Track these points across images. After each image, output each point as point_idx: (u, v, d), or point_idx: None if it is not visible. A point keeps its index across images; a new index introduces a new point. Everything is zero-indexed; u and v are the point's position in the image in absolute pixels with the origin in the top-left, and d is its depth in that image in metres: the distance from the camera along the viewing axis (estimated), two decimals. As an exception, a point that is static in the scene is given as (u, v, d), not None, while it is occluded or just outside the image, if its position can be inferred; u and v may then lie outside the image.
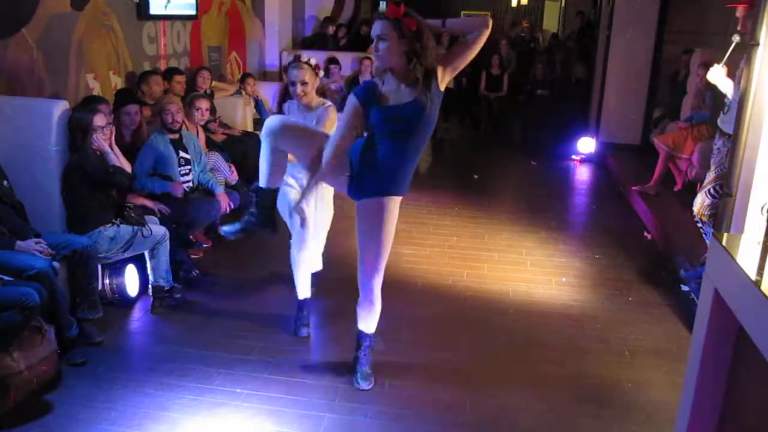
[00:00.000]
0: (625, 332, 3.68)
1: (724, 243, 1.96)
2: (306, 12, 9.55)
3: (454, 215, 5.69)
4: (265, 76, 8.21)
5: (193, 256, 4.42)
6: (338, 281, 3.78)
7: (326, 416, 2.86)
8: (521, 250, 4.89)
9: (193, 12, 6.32)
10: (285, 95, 3.61)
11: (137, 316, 3.78)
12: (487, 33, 2.64)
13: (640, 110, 8.03)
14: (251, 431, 2.77)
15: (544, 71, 9.45)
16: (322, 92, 5.92)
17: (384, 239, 2.83)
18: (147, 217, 3.91)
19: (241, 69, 7.69)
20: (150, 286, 3.87)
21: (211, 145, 5.12)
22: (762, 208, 2.15)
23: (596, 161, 7.73)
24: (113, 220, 3.72)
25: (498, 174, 7.56)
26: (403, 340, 3.51)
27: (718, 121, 3.93)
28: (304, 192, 2.89)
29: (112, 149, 3.72)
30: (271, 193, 2.89)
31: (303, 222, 3.23)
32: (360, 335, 3.10)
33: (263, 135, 2.78)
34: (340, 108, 3.04)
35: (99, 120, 3.63)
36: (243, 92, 6.48)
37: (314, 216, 3.61)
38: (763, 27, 2.88)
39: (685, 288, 4.15)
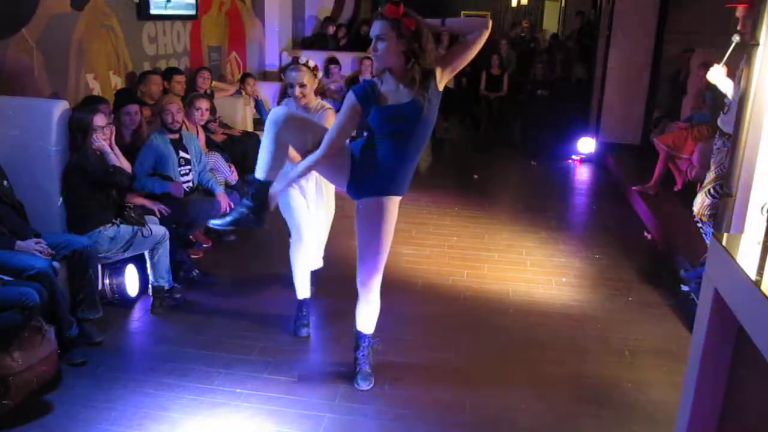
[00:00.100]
0: (625, 332, 3.68)
1: (724, 243, 1.96)
2: (306, 12, 9.56)
3: (454, 215, 5.69)
4: (265, 76, 8.21)
5: (193, 256, 4.42)
6: (338, 281, 3.77)
7: (326, 416, 2.86)
8: (521, 250, 4.89)
9: (193, 12, 6.32)
10: (284, 95, 3.61)
11: (137, 316, 3.78)
12: (486, 33, 2.64)
13: (640, 110, 8.03)
14: (251, 431, 2.77)
15: (544, 71, 9.45)
16: (322, 92, 5.92)
17: (383, 239, 2.83)
18: (147, 217, 3.91)
19: (241, 69, 7.69)
20: (150, 286, 3.87)
21: (211, 145, 5.12)
22: (762, 208, 2.15)
23: (596, 161, 7.73)
24: (113, 220, 3.72)
25: (498, 174, 7.56)
26: (403, 340, 3.51)
27: (718, 121, 3.93)
28: (287, 178, 2.82)
29: (112, 149, 3.72)
30: (267, 186, 2.80)
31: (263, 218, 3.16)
32: (358, 336, 3.10)
33: (268, 124, 2.72)
34: (339, 109, 3.04)
35: (99, 120, 3.63)
36: (243, 92, 6.49)
37: (316, 214, 3.62)
38: (763, 27, 2.87)
39: (685, 288, 4.15)
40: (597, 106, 8.37)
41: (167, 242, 3.86)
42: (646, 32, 7.78)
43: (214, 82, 6.23)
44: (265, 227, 2.91)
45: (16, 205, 3.40)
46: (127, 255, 3.76)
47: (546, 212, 5.83)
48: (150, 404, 2.91)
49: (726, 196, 3.16)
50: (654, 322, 3.83)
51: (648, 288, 4.29)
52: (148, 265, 3.86)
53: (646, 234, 5.36)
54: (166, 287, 3.86)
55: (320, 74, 3.58)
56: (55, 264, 3.25)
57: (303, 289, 3.62)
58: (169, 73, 5.49)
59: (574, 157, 7.84)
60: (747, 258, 1.82)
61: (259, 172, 2.77)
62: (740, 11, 3.62)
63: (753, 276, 1.71)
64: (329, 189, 3.63)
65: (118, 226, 3.71)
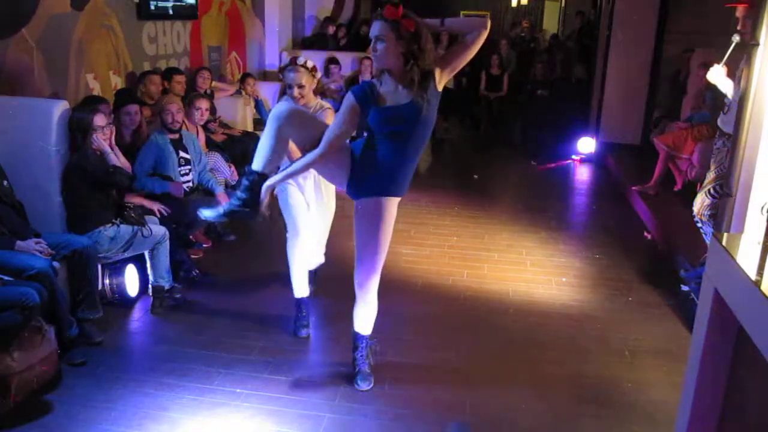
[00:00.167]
0: (625, 332, 3.68)
1: (724, 243, 1.96)
2: (306, 12, 9.56)
3: (454, 215, 5.69)
4: (265, 76, 8.21)
5: (193, 256, 4.42)
6: (338, 281, 3.77)
7: (326, 416, 2.86)
8: (521, 250, 4.89)
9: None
10: (284, 96, 3.60)
11: (137, 316, 3.78)
12: (485, 34, 2.63)
13: (640, 110, 8.03)
14: (251, 431, 2.77)
15: (544, 71, 9.45)
16: (321, 92, 5.93)
17: (381, 240, 2.82)
18: (147, 217, 3.91)
19: (241, 69, 7.70)
20: (150, 286, 3.87)
21: (211, 145, 5.13)
22: (762, 208, 2.15)
23: (596, 161, 7.73)
24: (113, 220, 3.72)
25: (498, 174, 7.56)
26: (402, 340, 3.51)
27: (718, 121, 3.93)
28: (283, 173, 2.78)
29: (112, 149, 3.72)
30: (262, 179, 2.75)
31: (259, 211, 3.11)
32: (356, 337, 3.10)
33: (271, 118, 2.70)
34: (339, 109, 3.04)
35: (99, 120, 3.63)
36: (243, 92, 6.49)
37: (315, 212, 3.63)
38: (763, 27, 2.88)
39: (685, 288, 4.15)
40: (597, 106, 8.37)
41: (167, 242, 3.85)
42: (646, 32, 7.77)
43: (214, 82, 6.23)
44: (258, 219, 2.89)
45: (16, 205, 3.40)
46: (127, 255, 3.76)
47: (546, 212, 5.83)
48: (150, 404, 2.91)
49: (726, 196, 3.16)
50: (654, 322, 3.83)
51: (648, 288, 4.29)
52: (148, 265, 3.86)
53: (646, 234, 5.36)
54: (166, 287, 3.86)
55: (319, 74, 3.58)
56: (55, 264, 3.25)
57: (301, 287, 3.62)
58: (169, 73, 5.49)
59: (574, 157, 7.84)
60: (747, 258, 1.82)
61: (257, 164, 2.73)
62: (740, 11, 3.62)
63: (753, 276, 1.71)
64: (329, 188, 3.63)
65: (118, 226, 3.71)
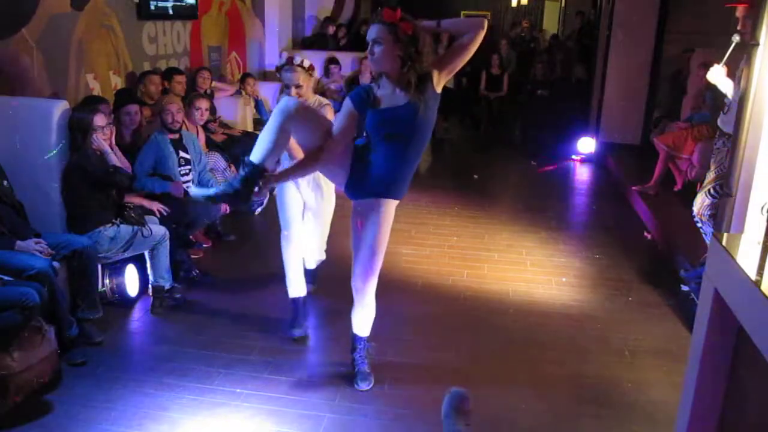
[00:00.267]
0: (625, 332, 3.68)
1: (724, 243, 1.96)
2: (306, 12, 9.56)
3: (454, 215, 5.69)
4: (265, 76, 8.22)
5: (193, 256, 4.42)
6: (338, 280, 3.76)
7: (326, 416, 2.86)
8: (521, 250, 4.89)
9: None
10: (283, 95, 3.60)
11: (137, 316, 3.78)
12: (482, 34, 2.62)
13: (640, 110, 8.03)
14: (251, 431, 2.77)
15: (544, 71, 9.45)
16: (322, 92, 5.91)
17: (378, 241, 2.82)
18: (147, 217, 3.91)
19: (241, 69, 7.70)
20: (150, 286, 3.88)
21: (211, 145, 5.13)
22: (762, 208, 2.15)
23: (596, 161, 7.73)
24: (113, 220, 3.72)
25: (498, 174, 7.56)
26: (402, 340, 3.51)
27: (718, 121, 3.93)
28: (279, 173, 2.74)
29: (112, 149, 3.72)
30: (259, 171, 2.64)
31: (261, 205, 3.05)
32: (355, 338, 3.11)
33: (277, 111, 2.64)
34: (339, 109, 3.04)
35: (99, 120, 3.63)
36: (243, 92, 6.49)
37: (314, 211, 3.63)
38: (763, 27, 2.87)
39: (685, 288, 4.15)
40: (597, 106, 8.37)
41: (167, 242, 3.86)
42: (646, 32, 7.77)
43: (214, 82, 6.23)
44: (248, 211, 2.85)
45: (16, 205, 3.40)
46: (127, 255, 3.76)
47: (546, 212, 5.83)
48: (150, 404, 2.91)
49: (726, 196, 3.16)
50: (654, 322, 3.83)
51: (648, 288, 4.29)
52: (148, 265, 3.86)
53: (646, 234, 5.36)
54: (166, 287, 3.86)
55: (316, 73, 3.58)
56: (55, 264, 3.25)
57: (295, 286, 3.62)
58: (169, 73, 5.49)
59: (574, 157, 7.84)
60: (747, 258, 1.83)
61: (256, 156, 2.63)
62: (740, 11, 3.62)
63: (753, 276, 1.71)
64: (329, 186, 3.63)
65: (118, 226, 3.71)
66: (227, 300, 3.99)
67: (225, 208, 4.52)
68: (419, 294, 4.13)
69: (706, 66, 4.00)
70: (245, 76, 6.72)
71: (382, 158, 2.71)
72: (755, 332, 1.64)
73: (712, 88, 4.21)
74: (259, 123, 6.48)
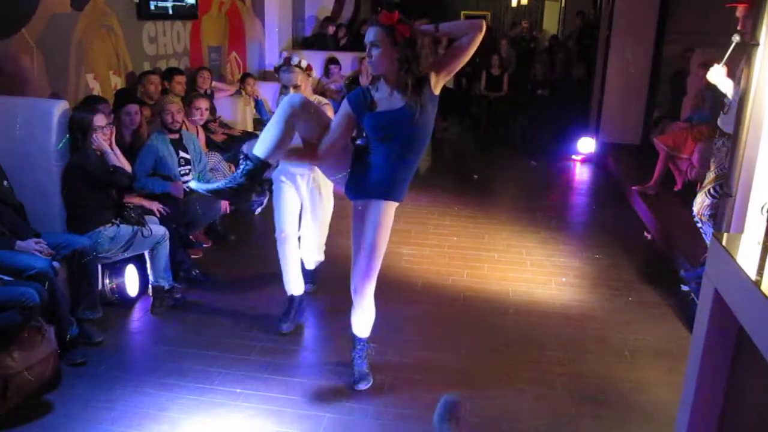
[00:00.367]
0: (625, 332, 3.68)
1: (724, 243, 1.96)
2: (306, 12, 9.55)
3: (454, 215, 5.69)
4: (265, 76, 8.21)
5: (193, 256, 4.42)
6: (338, 280, 3.76)
7: (326, 416, 2.86)
8: (521, 250, 4.89)
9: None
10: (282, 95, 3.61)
11: (137, 316, 3.78)
12: (480, 36, 2.60)
13: (640, 110, 8.03)
14: (251, 431, 2.77)
15: (544, 71, 9.44)
16: (322, 92, 5.91)
17: (377, 243, 2.81)
18: (147, 217, 3.91)
19: (241, 69, 7.69)
20: (150, 286, 3.88)
21: (211, 145, 5.13)
22: (762, 208, 2.15)
23: (596, 161, 7.73)
24: (113, 220, 3.72)
25: (498, 174, 7.56)
26: (403, 340, 3.51)
27: (718, 121, 3.93)
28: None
29: (112, 149, 3.72)
30: (263, 167, 2.66)
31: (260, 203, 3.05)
32: (354, 339, 3.11)
33: (283, 106, 2.63)
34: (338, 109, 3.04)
35: (99, 120, 3.63)
36: (243, 92, 6.49)
37: (311, 212, 3.63)
38: (763, 27, 2.87)
39: (685, 288, 4.14)
40: (597, 106, 8.37)
41: (167, 242, 3.86)
42: (646, 32, 7.77)
43: (214, 82, 6.23)
44: (252, 209, 2.85)
45: (16, 205, 3.40)
46: (127, 255, 3.76)
47: (546, 212, 5.83)
48: (150, 404, 2.91)
49: (726, 196, 3.16)
50: (654, 322, 3.83)
51: (648, 288, 4.29)
52: (148, 265, 3.86)
53: (646, 234, 5.36)
54: (166, 287, 3.86)
55: (314, 73, 3.59)
56: (55, 264, 3.25)
57: (292, 285, 3.63)
58: (169, 73, 5.49)
59: (574, 157, 7.84)
60: (747, 258, 1.83)
61: (260, 150, 2.63)
62: (740, 11, 3.62)
63: (753, 276, 1.71)
64: (328, 188, 3.63)
65: (118, 226, 3.71)
66: (227, 300, 3.99)
67: (225, 207, 4.52)
68: (419, 294, 4.13)
69: (706, 66, 4.00)
70: (245, 76, 6.72)
71: (380, 160, 2.72)
72: (755, 332, 1.64)
73: (712, 88, 4.21)
74: (259, 123, 6.48)
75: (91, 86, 4.96)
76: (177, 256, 4.07)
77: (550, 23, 15.41)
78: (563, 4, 14.56)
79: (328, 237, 3.88)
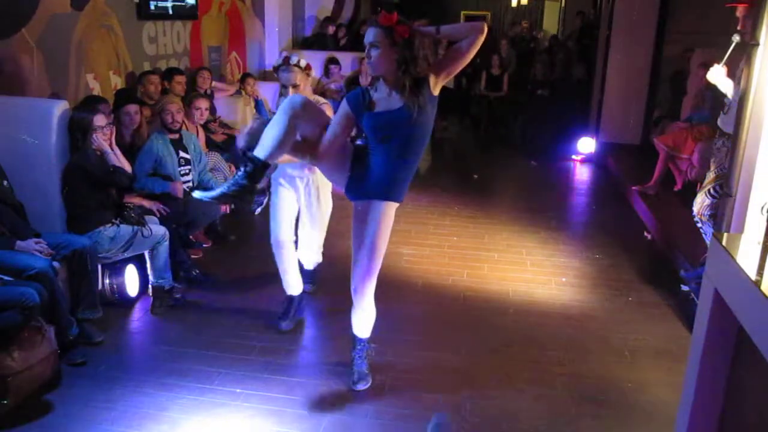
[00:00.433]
0: (625, 332, 3.67)
1: (724, 243, 1.96)
2: (306, 12, 9.55)
3: (454, 215, 5.69)
4: (265, 76, 8.21)
5: (193, 256, 4.42)
6: (338, 280, 3.77)
7: (326, 416, 2.86)
8: (521, 250, 4.89)
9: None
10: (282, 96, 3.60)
11: (137, 316, 3.78)
12: (481, 39, 2.59)
13: (640, 110, 8.03)
14: (251, 431, 2.77)
15: (544, 71, 9.44)
16: (322, 92, 5.91)
17: (377, 244, 2.81)
18: (147, 217, 3.91)
19: (241, 69, 7.69)
20: (150, 286, 3.88)
21: (211, 145, 5.13)
22: (762, 208, 2.15)
23: (596, 161, 7.73)
24: (113, 220, 3.72)
25: (498, 174, 7.56)
26: (403, 340, 3.51)
27: (718, 121, 3.93)
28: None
29: (112, 149, 3.72)
30: (264, 168, 2.64)
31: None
32: (354, 339, 3.11)
33: (284, 108, 2.62)
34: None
35: (99, 120, 3.63)
36: (243, 92, 6.49)
37: (307, 214, 3.63)
38: (763, 27, 2.88)
39: (685, 288, 4.15)
40: (597, 106, 8.37)
41: (167, 242, 3.85)
42: (646, 32, 7.78)
43: (214, 82, 6.23)
44: (252, 209, 2.86)
45: (16, 205, 3.40)
46: (127, 255, 3.76)
47: (546, 212, 5.82)
48: (150, 404, 2.91)
49: (726, 196, 3.16)
50: (654, 322, 3.83)
51: (648, 288, 4.29)
52: (148, 265, 3.86)
53: (646, 234, 5.36)
54: (166, 287, 3.86)
55: (313, 72, 3.58)
56: (55, 264, 3.25)
57: (291, 286, 3.64)
58: (169, 73, 5.49)
59: (574, 157, 7.84)
60: (747, 258, 1.82)
61: (261, 152, 2.61)
62: (740, 11, 3.62)
63: (753, 276, 1.71)
64: (326, 189, 3.62)
65: (118, 226, 3.71)
66: (227, 300, 3.99)
67: (225, 207, 4.52)
68: (419, 294, 4.13)
69: (706, 66, 4.00)
70: (245, 76, 6.72)
71: (380, 160, 2.72)
72: (755, 332, 1.64)
73: (712, 88, 4.21)
74: (258, 123, 6.46)
75: (91, 86, 4.96)
76: (177, 256, 4.07)
77: (550, 23, 15.41)
78: (563, 4, 14.56)
79: (328, 238, 3.88)
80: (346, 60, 8.20)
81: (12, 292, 2.87)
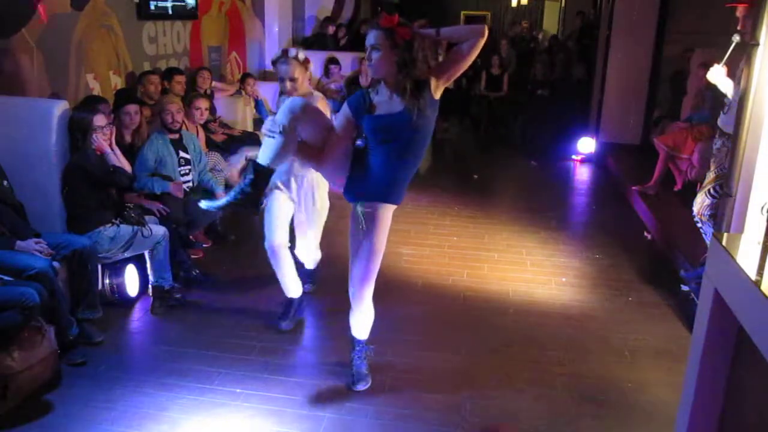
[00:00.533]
0: (625, 332, 3.67)
1: (724, 243, 1.96)
2: (306, 12, 9.55)
3: (454, 215, 5.69)
4: (265, 76, 8.21)
5: (193, 256, 4.42)
6: (337, 280, 3.76)
7: (326, 416, 2.86)
8: (521, 250, 4.89)
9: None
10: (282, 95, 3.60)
11: (137, 316, 3.78)
12: (482, 42, 2.58)
13: (640, 110, 8.03)
14: (251, 431, 2.77)
15: (544, 71, 9.44)
16: (322, 92, 5.89)
17: (375, 246, 2.80)
18: (147, 217, 3.91)
19: (241, 69, 7.69)
20: (150, 286, 3.87)
21: (211, 145, 5.13)
22: (762, 208, 2.15)
23: (596, 161, 7.73)
24: (113, 220, 3.72)
25: (498, 174, 7.56)
26: (402, 340, 3.51)
27: (718, 121, 3.93)
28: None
29: (112, 149, 3.72)
30: (268, 174, 2.66)
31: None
32: (353, 340, 3.11)
33: (284, 112, 2.61)
34: (338, 109, 3.03)
35: (99, 120, 3.63)
36: (243, 92, 6.49)
37: (305, 216, 3.62)
38: (763, 27, 2.87)
39: (685, 288, 4.15)
40: (597, 106, 8.37)
41: (167, 242, 3.85)
42: (646, 32, 7.78)
43: (214, 82, 6.23)
44: (256, 213, 2.87)
45: (16, 205, 3.40)
46: (127, 255, 3.76)
47: (546, 212, 5.82)
48: (150, 404, 2.91)
49: (726, 196, 3.16)
50: (654, 322, 3.83)
51: (648, 288, 4.29)
52: (148, 265, 3.86)
53: (646, 234, 5.36)
54: (166, 287, 3.86)
55: (311, 66, 3.56)
56: (55, 264, 3.25)
57: (288, 289, 3.63)
58: (169, 73, 5.49)
59: (574, 157, 7.84)
60: (747, 258, 1.83)
61: (263, 158, 2.62)
62: (740, 11, 3.62)
63: (753, 276, 1.71)
64: (323, 190, 3.61)
65: (118, 226, 3.72)
66: (227, 300, 3.99)
67: (225, 208, 4.50)
68: (419, 294, 4.13)
69: (706, 66, 4.01)
70: (245, 76, 6.72)
71: (379, 162, 2.71)
72: (755, 332, 1.64)
73: (712, 88, 4.21)
74: (259, 123, 6.47)
75: (91, 86, 4.96)
76: (177, 256, 4.07)
77: (550, 23, 15.42)
78: (563, 4, 14.56)
79: (327, 236, 3.87)
80: (346, 60, 8.20)
81: (12, 292, 2.87)
